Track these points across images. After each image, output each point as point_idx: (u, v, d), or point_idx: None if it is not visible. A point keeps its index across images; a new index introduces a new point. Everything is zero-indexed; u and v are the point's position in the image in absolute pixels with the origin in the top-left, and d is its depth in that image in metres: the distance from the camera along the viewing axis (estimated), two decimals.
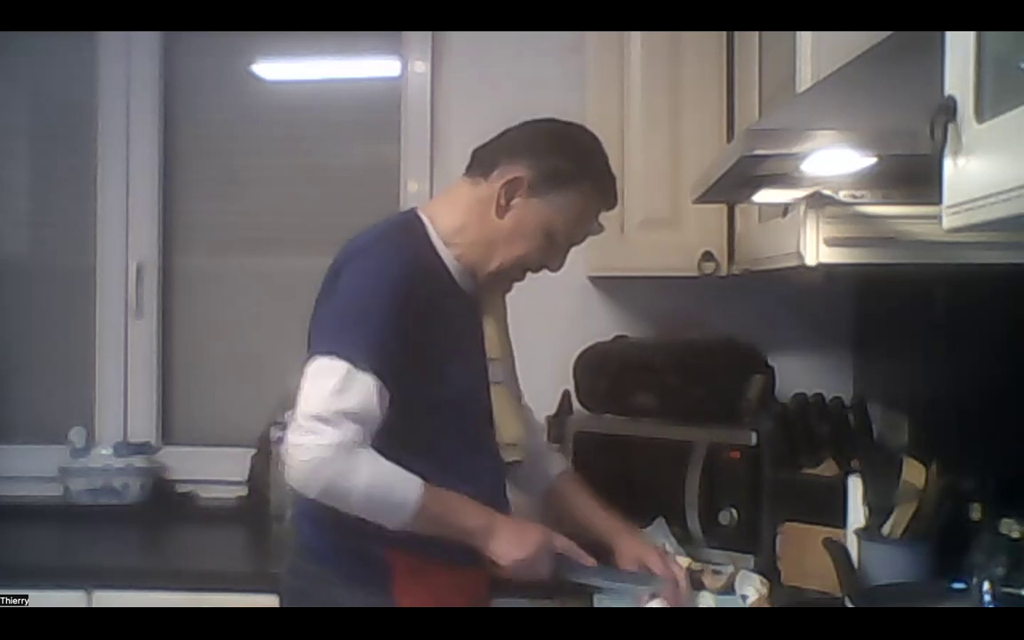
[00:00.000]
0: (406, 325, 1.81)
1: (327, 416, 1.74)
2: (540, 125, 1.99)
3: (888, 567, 1.92)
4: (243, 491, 3.03)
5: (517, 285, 2.05)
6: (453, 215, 1.95)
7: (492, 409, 2.06)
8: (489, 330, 2.11)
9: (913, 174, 1.55)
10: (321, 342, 1.81)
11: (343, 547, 1.88)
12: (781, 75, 2.02)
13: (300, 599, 1.94)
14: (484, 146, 1.99)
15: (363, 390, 1.76)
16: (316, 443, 1.74)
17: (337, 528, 1.86)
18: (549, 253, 1.97)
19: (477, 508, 1.90)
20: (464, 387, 1.97)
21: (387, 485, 1.79)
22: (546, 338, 2.83)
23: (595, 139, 2.02)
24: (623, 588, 2.04)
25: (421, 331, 1.83)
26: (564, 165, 1.93)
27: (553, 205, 1.92)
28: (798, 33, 1.82)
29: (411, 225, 1.94)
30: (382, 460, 1.78)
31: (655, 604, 1.98)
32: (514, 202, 1.92)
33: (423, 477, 1.81)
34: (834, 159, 1.57)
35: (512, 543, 1.89)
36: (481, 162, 1.97)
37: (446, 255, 1.93)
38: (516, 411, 2.20)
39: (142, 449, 3.11)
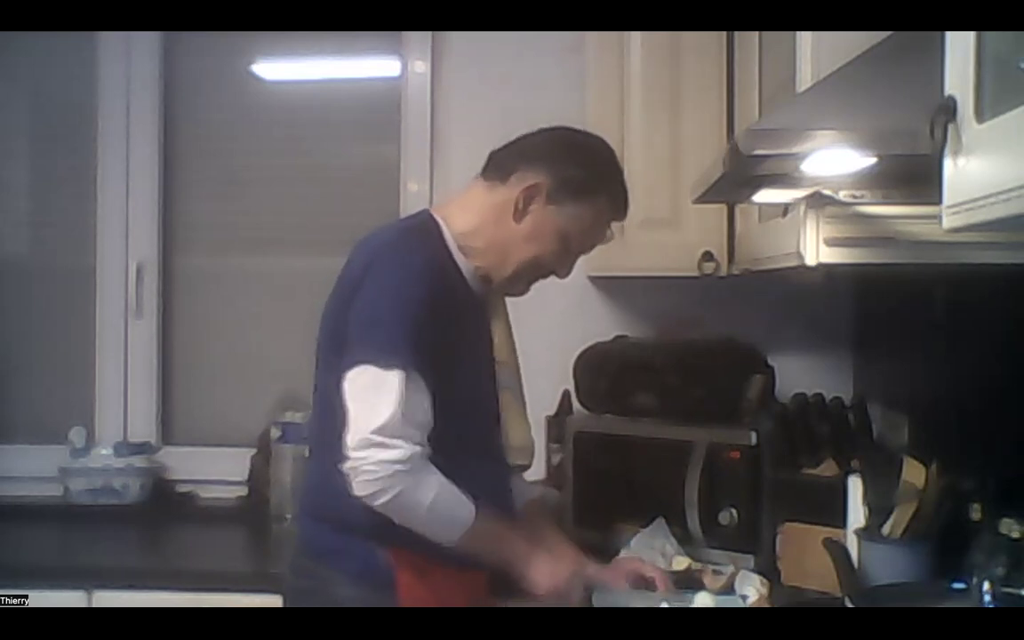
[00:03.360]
0: (434, 328, 1.82)
1: (396, 429, 1.76)
2: (560, 133, 2.01)
3: (888, 567, 1.92)
4: (243, 491, 3.03)
5: None
6: (468, 218, 1.96)
7: (499, 413, 2.07)
8: (496, 334, 2.12)
9: (913, 174, 1.55)
10: (365, 351, 1.80)
11: (347, 546, 1.88)
12: (781, 75, 2.02)
13: (304, 598, 1.94)
14: (501, 150, 2.00)
15: (421, 399, 1.79)
16: (390, 457, 1.76)
17: (341, 527, 1.87)
18: (560, 259, 1.99)
19: (517, 536, 1.96)
20: (476, 390, 1.99)
21: (448, 502, 1.82)
22: (546, 338, 2.83)
23: (611, 151, 2.05)
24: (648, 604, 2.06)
25: (443, 334, 1.84)
26: (582, 176, 1.95)
27: (569, 213, 1.94)
28: (798, 33, 1.82)
29: (427, 227, 1.95)
30: (442, 476, 1.81)
31: (700, 600, 2.02)
32: (531, 208, 1.93)
33: None
34: (834, 159, 1.57)
35: (548, 573, 1.95)
36: (498, 166, 1.98)
37: (460, 258, 1.94)
38: (522, 415, 2.21)
39: (142, 449, 3.11)
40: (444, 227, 1.95)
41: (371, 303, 1.83)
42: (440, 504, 1.81)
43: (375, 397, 1.77)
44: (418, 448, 1.78)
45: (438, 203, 2.09)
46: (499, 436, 2.07)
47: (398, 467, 1.76)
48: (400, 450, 1.76)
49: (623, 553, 2.31)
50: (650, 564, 2.19)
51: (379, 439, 1.76)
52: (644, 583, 2.11)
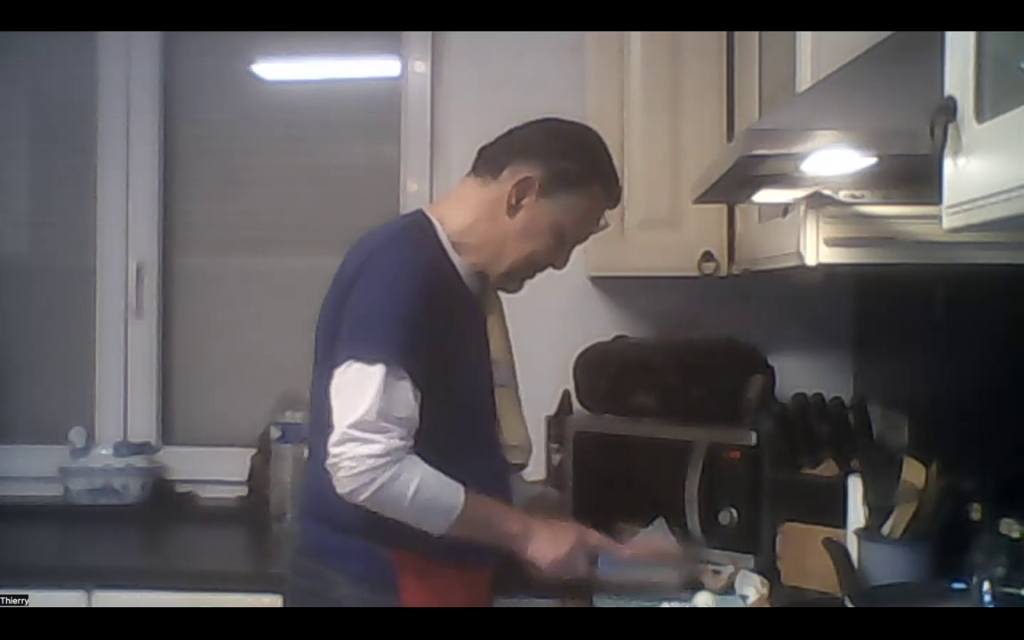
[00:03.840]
0: (426, 326, 1.82)
1: (374, 424, 1.75)
2: (548, 125, 2.00)
3: (888, 567, 1.92)
4: (243, 491, 3.03)
5: None
6: (462, 215, 1.96)
7: (496, 411, 2.07)
8: (492, 332, 2.12)
9: (913, 174, 1.55)
10: (352, 347, 1.80)
11: (349, 547, 1.88)
12: (781, 75, 2.02)
13: (305, 598, 1.94)
14: (491, 145, 1.99)
15: (404, 394, 1.78)
16: (367, 452, 1.75)
17: (343, 527, 1.87)
18: (557, 252, 1.99)
19: (513, 512, 1.94)
20: (472, 388, 1.98)
21: (434, 491, 1.81)
22: (546, 338, 2.83)
23: (600, 140, 2.04)
24: (654, 581, 2.09)
25: (436, 332, 1.84)
26: (574, 167, 1.95)
27: (562, 205, 1.94)
28: (798, 33, 1.82)
29: (422, 226, 1.95)
30: (427, 466, 1.80)
31: (700, 601, 2.02)
32: (524, 202, 1.93)
33: None
34: (834, 159, 1.57)
35: (549, 544, 1.92)
36: (489, 162, 1.97)
37: (455, 256, 1.94)
38: (519, 413, 2.20)
39: (142, 449, 3.11)
40: (438, 226, 1.95)
41: (362, 301, 1.83)
42: (424, 493, 1.79)
43: (356, 392, 1.77)
44: (398, 442, 1.77)
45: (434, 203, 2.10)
46: (496, 434, 2.07)
47: (376, 461, 1.75)
48: (378, 445, 1.75)
49: None
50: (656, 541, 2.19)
51: (356, 434, 1.75)
52: (654, 559, 2.11)
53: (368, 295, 1.83)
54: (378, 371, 1.77)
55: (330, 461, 1.77)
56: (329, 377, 1.82)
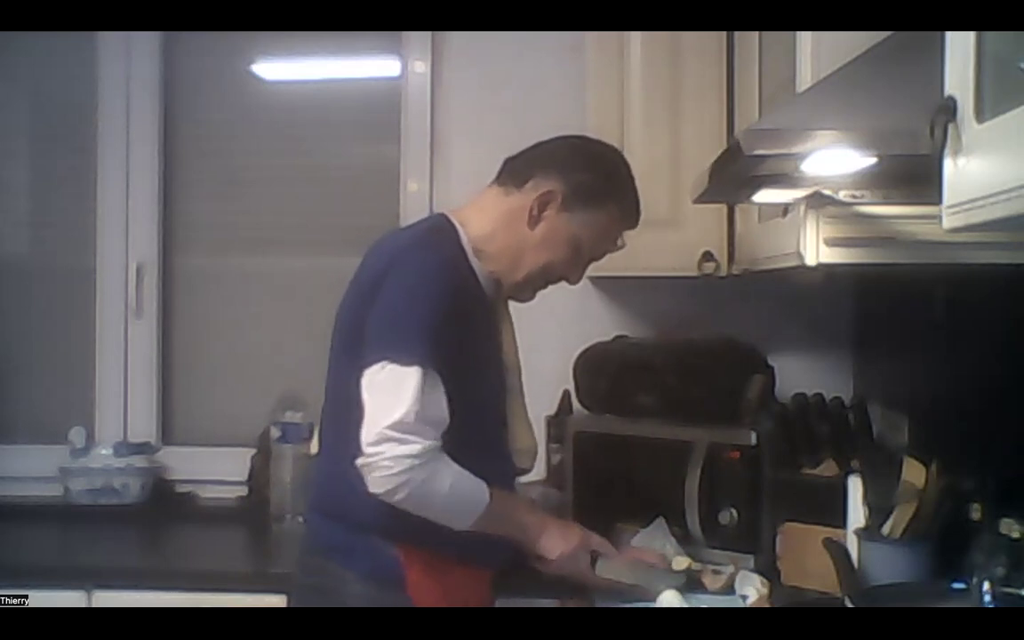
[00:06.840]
0: (452, 328, 1.84)
1: (411, 425, 1.78)
2: (575, 141, 2.06)
3: (888, 567, 1.92)
4: (243, 491, 3.03)
5: None
6: (483, 222, 2.00)
7: (506, 415, 2.09)
8: (503, 338, 2.14)
9: (913, 174, 1.55)
10: (385, 348, 1.82)
11: (357, 544, 1.90)
12: (781, 75, 2.02)
13: (312, 596, 1.96)
14: (517, 157, 2.04)
15: (438, 395, 1.82)
16: (405, 452, 1.77)
17: (351, 524, 1.89)
18: (572, 266, 2.04)
19: (529, 507, 2.05)
20: (485, 391, 2.01)
21: (463, 489, 1.85)
22: (546, 338, 2.83)
23: (624, 161, 2.10)
24: (649, 581, 2.12)
25: (460, 334, 1.86)
26: (596, 184, 2.00)
27: (582, 221, 1.99)
28: (798, 33, 1.82)
29: (445, 230, 1.98)
30: (455, 464, 1.83)
31: (666, 600, 2.03)
32: (545, 214, 1.98)
33: None
34: (834, 159, 1.57)
35: (559, 539, 2.02)
36: (513, 172, 2.02)
37: (475, 262, 1.98)
38: (526, 418, 2.21)
39: (142, 449, 3.11)
40: (460, 231, 1.98)
41: (392, 301, 1.85)
42: (456, 492, 1.83)
43: (392, 393, 1.79)
44: (433, 443, 1.80)
45: (452, 207, 2.11)
46: (505, 437, 2.09)
47: (412, 462, 1.77)
48: (415, 445, 1.78)
49: None
50: (652, 552, 2.22)
51: (394, 434, 1.77)
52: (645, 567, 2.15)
53: (399, 296, 1.85)
54: (414, 373, 1.79)
55: (365, 461, 1.79)
56: (355, 377, 1.83)
